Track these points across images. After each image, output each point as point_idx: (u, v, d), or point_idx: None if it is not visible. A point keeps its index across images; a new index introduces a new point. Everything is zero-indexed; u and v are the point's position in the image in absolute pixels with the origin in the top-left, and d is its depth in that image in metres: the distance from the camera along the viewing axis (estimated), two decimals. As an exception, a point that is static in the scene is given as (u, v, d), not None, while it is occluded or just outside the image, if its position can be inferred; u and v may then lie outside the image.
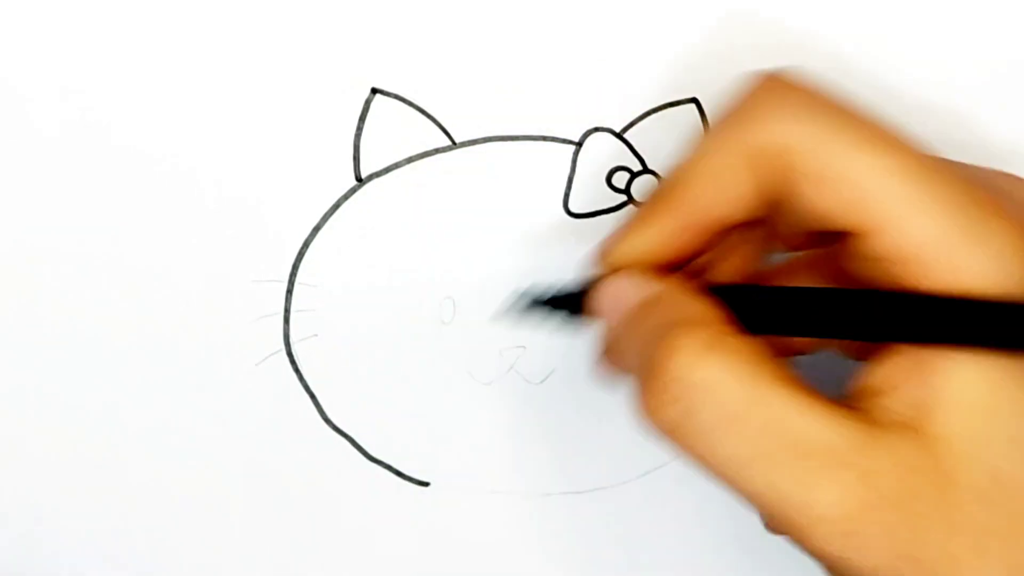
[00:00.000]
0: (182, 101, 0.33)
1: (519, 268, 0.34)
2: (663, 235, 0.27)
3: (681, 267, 0.28)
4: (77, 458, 0.35)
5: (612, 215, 0.34)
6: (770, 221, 0.27)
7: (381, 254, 0.34)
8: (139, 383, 0.34)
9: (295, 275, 0.34)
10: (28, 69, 0.33)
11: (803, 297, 0.26)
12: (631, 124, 0.33)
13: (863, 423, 0.24)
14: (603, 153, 0.34)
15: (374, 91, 0.33)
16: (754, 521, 0.35)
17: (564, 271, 0.34)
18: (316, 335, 0.34)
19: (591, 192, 0.34)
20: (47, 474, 0.35)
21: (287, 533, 0.35)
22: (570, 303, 0.29)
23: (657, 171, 0.34)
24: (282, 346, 0.34)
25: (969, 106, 0.33)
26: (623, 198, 0.34)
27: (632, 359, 0.26)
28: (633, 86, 0.33)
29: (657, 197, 0.27)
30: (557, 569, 0.35)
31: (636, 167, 0.34)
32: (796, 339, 0.28)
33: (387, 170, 0.34)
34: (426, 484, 0.35)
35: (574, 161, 0.34)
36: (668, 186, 0.27)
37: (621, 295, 0.27)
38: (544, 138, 0.34)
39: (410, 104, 0.33)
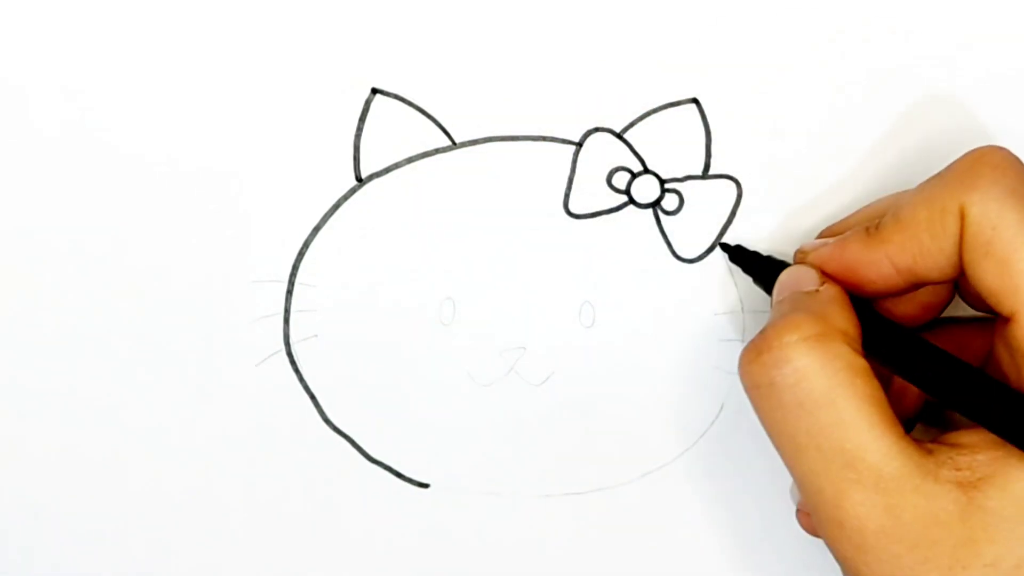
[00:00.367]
0: (182, 101, 0.33)
1: (519, 268, 0.34)
2: (855, 262, 0.29)
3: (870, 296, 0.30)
4: (77, 458, 0.35)
5: (612, 215, 0.34)
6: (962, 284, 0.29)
7: (381, 254, 0.34)
8: (139, 383, 0.34)
9: (295, 275, 0.34)
10: (28, 69, 0.33)
11: (922, 352, 0.28)
12: (631, 124, 0.33)
13: (921, 463, 0.26)
14: (603, 153, 0.33)
15: (374, 91, 0.33)
16: (754, 522, 0.35)
17: (564, 271, 0.34)
18: (316, 335, 0.34)
19: (591, 192, 0.34)
20: (47, 474, 0.35)
21: (287, 533, 0.35)
22: (760, 271, 0.32)
23: (657, 171, 0.34)
24: (282, 346, 0.34)
25: (974, 101, 0.34)
26: (623, 198, 0.34)
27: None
28: (633, 86, 0.33)
29: (864, 228, 0.29)
30: (557, 569, 0.35)
31: (636, 167, 0.34)
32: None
33: (387, 170, 0.34)
34: (426, 485, 0.35)
35: (574, 161, 0.34)
36: (874, 221, 0.29)
37: (793, 280, 0.30)
38: (544, 138, 0.34)
39: (410, 104, 0.33)
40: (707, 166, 0.34)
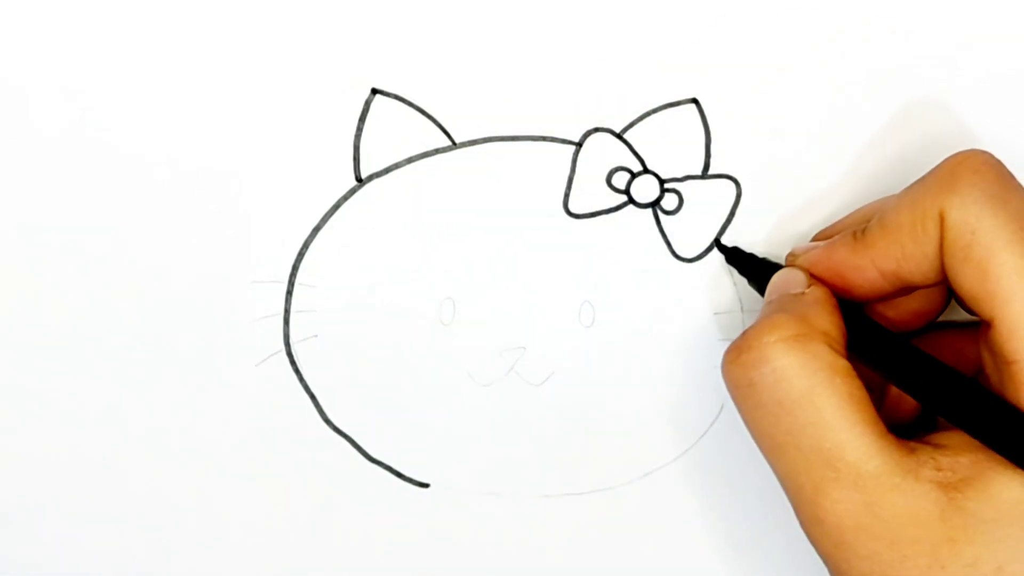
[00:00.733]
0: (182, 101, 0.33)
1: (519, 268, 0.34)
2: (842, 266, 0.30)
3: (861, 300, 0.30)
4: (77, 458, 0.35)
5: (612, 215, 0.34)
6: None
7: (381, 254, 0.34)
8: (139, 383, 0.34)
9: (295, 276, 0.34)
10: (28, 69, 0.33)
11: (907, 356, 0.28)
12: (631, 124, 0.33)
13: (901, 462, 0.26)
14: (603, 153, 0.33)
15: (374, 91, 0.33)
16: (754, 522, 0.35)
17: (564, 271, 0.34)
18: (316, 336, 0.34)
19: (591, 192, 0.34)
20: (47, 474, 0.35)
21: (287, 533, 0.35)
22: (755, 273, 0.32)
23: (657, 171, 0.34)
24: (282, 347, 0.34)
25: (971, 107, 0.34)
26: (623, 198, 0.34)
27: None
28: (633, 86, 0.33)
29: (852, 232, 0.30)
30: (557, 569, 0.35)
31: (636, 167, 0.34)
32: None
33: (387, 170, 0.34)
34: (426, 485, 0.35)
35: (574, 161, 0.34)
36: (863, 225, 0.29)
37: (782, 282, 0.30)
38: (544, 138, 0.34)
39: (410, 104, 0.33)
40: (707, 166, 0.34)
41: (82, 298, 0.34)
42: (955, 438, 0.27)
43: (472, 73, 0.33)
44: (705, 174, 0.34)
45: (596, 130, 0.34)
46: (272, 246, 0.34)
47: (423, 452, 0.35)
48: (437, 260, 0.34)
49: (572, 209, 0.34)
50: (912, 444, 0.27)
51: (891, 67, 0.33)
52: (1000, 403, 0.27)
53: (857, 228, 0.29)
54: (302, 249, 0.34)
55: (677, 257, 0.34)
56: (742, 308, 0.34)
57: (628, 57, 0.33)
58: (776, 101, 0.33)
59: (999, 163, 0.28)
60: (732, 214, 0.34)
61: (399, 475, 0.35)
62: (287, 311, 0.34)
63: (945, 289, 0.30)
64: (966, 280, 0.27)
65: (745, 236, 0.34)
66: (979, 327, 0.28)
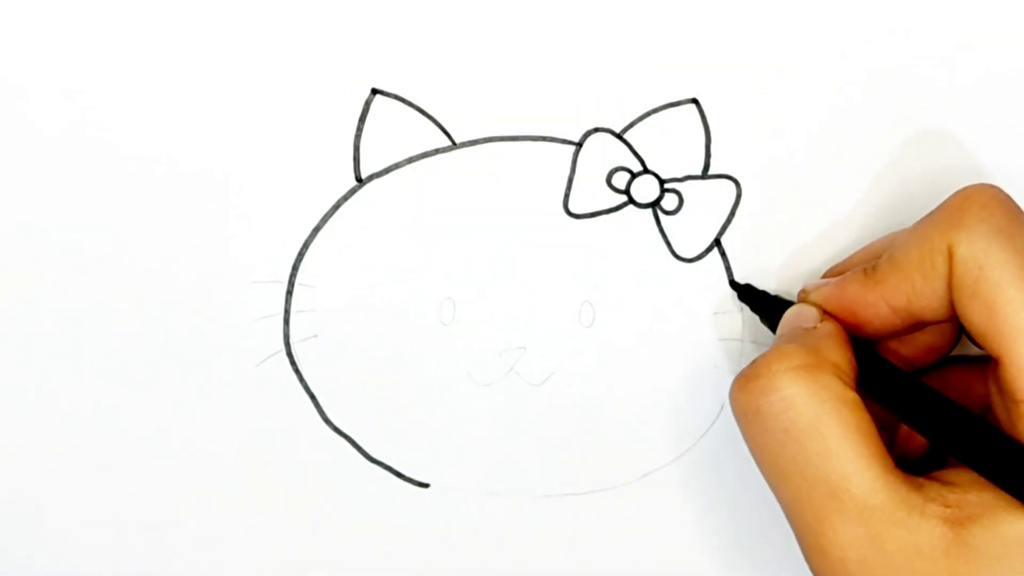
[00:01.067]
0: (182, 101, 0.33)
1: (519, 268, 0.34)
2: (854, 302, 0.30)
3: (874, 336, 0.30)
4: (77, 458, 0.35)
5: (612, 215, 0.34)
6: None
7: (381, 254, 0.34)
8: (139, 383, 0.34)
9: (295, 276, 0.34)
10: (28, 69, 0.33)
11: (917, 394, 0.28)
12: (631, 124, 0.33)
13: (907, 497, 0.26)
14: (603, 153, 0.33)
15: (374, 91, 0.33)
16: (754, 522, 0.35)
17: (564, 271, 0.34)
18: (316, 336, 0.34)
19: (591, 192, 0.34)
20: (47, 474, 0.35)
21: (287, 533, 0.35)
22: (767, 309, 0.32)
23: (657, 171, 0.34)
24: (282, 347, 0.34)
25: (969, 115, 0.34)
26: (623, 198, 0.34)
27: None
28: (633, 86, 0.33)
29: (863, 268, 0.30)
30: (557, 569, 0.35)
31: (636, 167, 0.34)
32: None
33: (387, 170, 0.34)
34: (426, 485, 0.35)
35: (574, 161, 0.34)
36: (874, 262, 0.29)
37: (794, 316, 0.31)
38: (544, 138, 0.34)
39: (410, 104, 0.33)
40: (707, 166, 0.34)
41: (82, 298, 0.34)
42: (963, 475, 0.27)
43: (472, 73, 0.33)
44: (705, 174, 0.34)
45: (596, 130, 0.34)
46: (272, 246, 0.34)
47: (423, 452, 0.35)
48: (437, 260, 0.34)
49: (572, 209, 0.34)
50: (920, 480, 0.27)
51: (891, 67, 0.33)
52: (1008, 441, 0.27)
53: (868, 264, 0.29)
54: (302, 249, 0.34)
55: (677, 257, 0.34)
56: (742, 308, 0.34)
57: (628, 57, 0.33)
58: (776, 101, 0.33)
59: (1008, 198, 0.28)
60: (732, 214, 0.34)
61: (399, 475, 0.35)
62: (287, 311, 0.34)
63: (956, 324, 0.29)
64: (974, 316, 0.27)
65: (745, 236, 0.34)
66: (989, 362, 0.28)
